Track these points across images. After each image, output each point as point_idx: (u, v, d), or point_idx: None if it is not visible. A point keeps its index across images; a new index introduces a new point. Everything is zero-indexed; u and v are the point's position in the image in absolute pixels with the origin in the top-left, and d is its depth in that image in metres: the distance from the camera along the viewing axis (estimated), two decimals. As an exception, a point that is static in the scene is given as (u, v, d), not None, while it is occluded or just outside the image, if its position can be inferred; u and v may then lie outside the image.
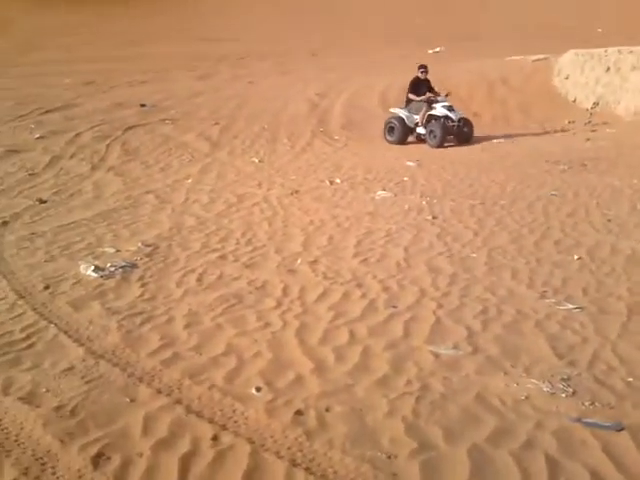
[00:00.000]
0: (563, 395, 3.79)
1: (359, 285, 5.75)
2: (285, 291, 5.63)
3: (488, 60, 20.31)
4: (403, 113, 14.09)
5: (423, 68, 14.09)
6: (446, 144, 13.48)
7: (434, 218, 8.01)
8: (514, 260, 6.42)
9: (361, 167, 11.47)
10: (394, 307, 5.23)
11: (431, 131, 13.49)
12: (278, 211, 8.57)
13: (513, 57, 19.82)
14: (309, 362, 4.30)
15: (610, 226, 7.52)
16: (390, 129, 14.18)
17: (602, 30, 26.04)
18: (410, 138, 14.14)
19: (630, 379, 3.94)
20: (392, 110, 14.55)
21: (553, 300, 5.29)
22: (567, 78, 17.92)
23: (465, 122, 13.79)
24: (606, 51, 17.39)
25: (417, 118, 13.86)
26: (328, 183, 10.20)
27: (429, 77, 14.20)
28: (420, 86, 14.01)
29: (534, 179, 10.10)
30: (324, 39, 28.20)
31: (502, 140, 14.05)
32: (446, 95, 13.93)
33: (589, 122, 15.49)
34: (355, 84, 18.54)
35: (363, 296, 5.48)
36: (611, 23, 26.45)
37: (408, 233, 7.38)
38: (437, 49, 25.07)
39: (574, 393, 3.81)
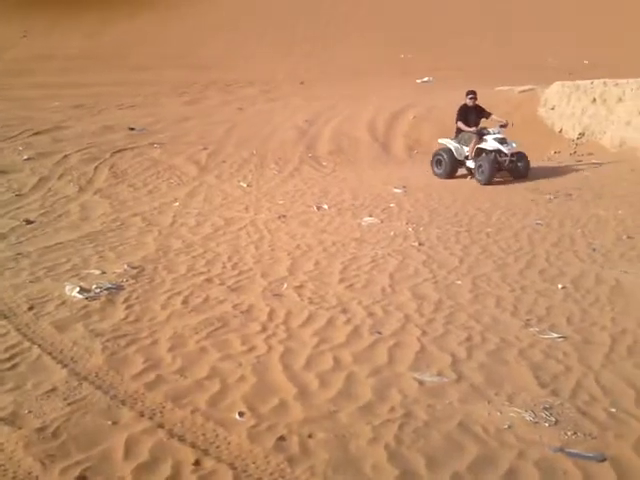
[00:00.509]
0: (546, 424, 3.80)
1: (344, 310, 5.76)
2: (270, 315, 5.63)
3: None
4: (452, 144, 12.98)
5: (472, 94, 12.91)
6: (497, 178, 12.41)
7: (420, 245, 8.06)
8: (499, 288, 6.46)
9: (348, 193, 11.54)
10: (379, 333, 5.24)
11: (480, 166, 12.26)
12: (265, 235, 8.59)
13: (500, 87, 20.07)
14: (293, 387, 4.29)
15: (595, 256, 7.59)
16: (438, 162, 13.13)
17: (588, 62, 26.43)
18: (461, 171, 13.10)
19: (613, 410, 3.96)
20: (440, 141, 13.47)
21: (537, 329, 5.32)
22: (553, 109, 18.15)
23: (520, 156, 12.49)
24: (592, 83, 17.64)
25: (467, 150, 12.69)
26: (315, 208, 10.25)
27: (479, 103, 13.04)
28: (469, 114, 12.81)
29: (520, 208, 10.19)
30: (312, 68, 28.49)
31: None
32: (502, 126, 12.71)
33: (574, 152, 15.68)
34: (343, 112, 18.68)
35: (348, 322, 5.49)
36: (597, 55, 26.89)
37: (394, 259, 7.42)
38: (425, 79, 25.33)
39: (557, 422, 3.82)
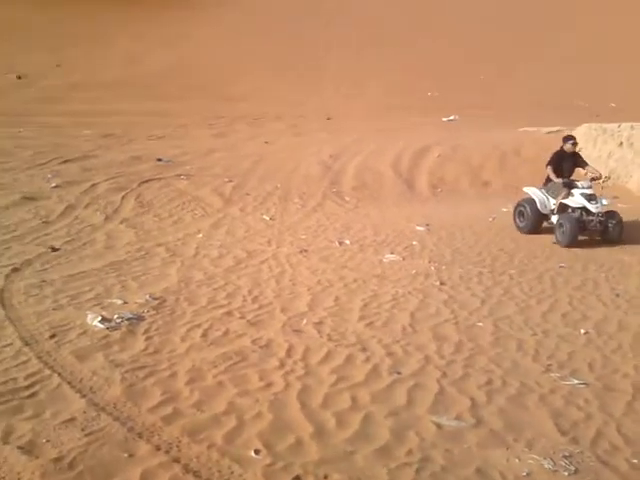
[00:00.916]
0: (565, 473, 3.74)
1: (363, 349, 5.74)
2: (289, 351, 5.63)
3: (502, 130, 20.63)
4: (537, 195, 11.42)
5: (572, 140, 11.55)
6: (582, 238, 10.74)
7: (442, 284, 8.03)
8: (521, 331, 6.41)
9: (370, 229, 11.54)
10: (398, 373, 5.21)
11: (561, 224, 10.62)
12: (286, 269, 8.61)
13: (526, 128, 20.11)
14: (310, 426, 4.27)
15: (618, 301, 7.52)
16: (520, 213, 11.59)
17: (615, 105, 26.42)
18: (545, 224, 11.48)
19: (635, 460, 3.89)
20: (526, 189, 11.91)
21: (558, 374, 5.26)
22: (580, 151, 18.11)
23: (611, 216, 10.75)
24: (619, 126, 17.61)
25: (553, 203, 11.18)
26: (337, 244, 10.26)
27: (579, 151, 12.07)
28: (565, 161, 11.31)
29: (542, 250, 10.14)
30: (340, 104, 28.78)
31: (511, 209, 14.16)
32: (593, 179, 11.21)
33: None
34: (368, 147, 18.78)
35: (367, 360, 5.47)
36: (624, 98, 26.87)
37: (415, 298, 7.40)
38: (451, 117, 25.45)
39: (576, 471, 3.76)
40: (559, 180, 10.91)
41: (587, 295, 7.73)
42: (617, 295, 7.76)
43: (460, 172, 15.77)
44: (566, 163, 11.27)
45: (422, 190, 16.12)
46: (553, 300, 7.50)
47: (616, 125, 17.65)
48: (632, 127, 17.18)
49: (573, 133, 18.43)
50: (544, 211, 11.26)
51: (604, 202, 10.71)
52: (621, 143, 17.01)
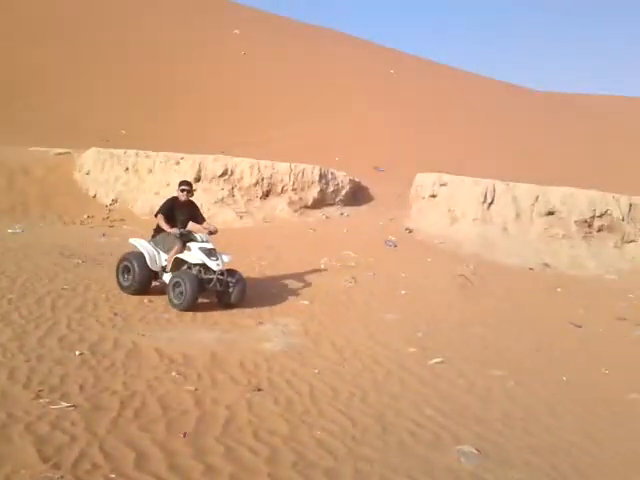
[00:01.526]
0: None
1: None
2: None
3: (10, 148, 19.57)
4: (146, 248, 9.56)
5: (186, 185, 9.76)
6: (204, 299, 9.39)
7: None
8: (14, 358, 6.07)
9: None
10: None
11: (177, 283, 8.93)
12: None
13: (35, 148, 19.48)
14: None
15: (116, 320, 7.78)
16: (125, 269, 9.54)
17: (125, 132, 27.58)
18: (154, 283, 9.70)
19: (112, 475, 3.98)
20: (132, 241, 9.89)
21: (48, 399, 5.12)
22: (88, 174, 18.35)
23: (233, 277, 9.36)
24: (125, 152, 18.46)
25: (165, 259, 9.50)
26: None
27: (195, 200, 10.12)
28: (177, 210, 9.63)
29: (46, 272, 9.87)
30: None
31: (17, 230, 13.51)
32: (211, 232, 9.74)
33: (107, 218, 16.06)
34: None
35: None
36: (133, 125, 28.29)
37: None
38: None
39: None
40: (174, 230, 9.30)
41: (86, 316, 7.79)
42: (115, 314, 8.02)
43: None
44: (180, 213, 9.67)
45: None
46: (52, 323, 7.34)
47: (122, 151, 18.47)
48: (137, 154, 18.22)
49: (83, 155, 18.64)
50: (154, 268, 9.48)
51: (225, 259, 9.38)
52: (127, 169, 17.86)
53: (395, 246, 15.02)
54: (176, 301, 8.92)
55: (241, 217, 16.92)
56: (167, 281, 9.27)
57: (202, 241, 9.38)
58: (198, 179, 17.37)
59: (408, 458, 4.89)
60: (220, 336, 7.66)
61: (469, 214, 16.34)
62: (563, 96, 63.36)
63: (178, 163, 17.68)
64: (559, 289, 12.90)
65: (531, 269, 14.35)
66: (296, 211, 18.03)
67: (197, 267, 9.24)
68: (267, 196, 18.09)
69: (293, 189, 18.38)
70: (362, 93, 41.01)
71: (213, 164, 17.73)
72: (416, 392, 6.57)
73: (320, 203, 18.66)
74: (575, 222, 15.51)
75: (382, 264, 13.11)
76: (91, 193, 17.72)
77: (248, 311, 9.00)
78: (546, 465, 5.22)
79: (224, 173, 17.68)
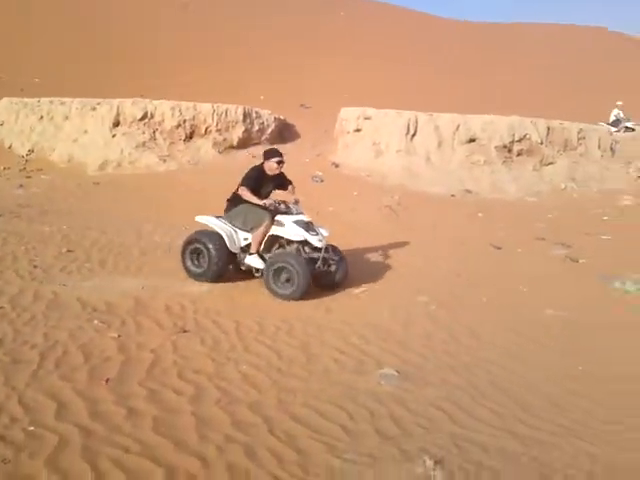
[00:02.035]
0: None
1: None
2: None
3: None
4: (222, 227, 8.01)
5: (280, 156, 8.08)
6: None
7: None
8: None
9: None
10: None
11: (279, 269, 7.53)
12: None
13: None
14: None
15: (36, 272, 7.59)
16: (195, 254, 8.06)
17: (39, 80, 26.37)
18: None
19: (31, 428, 3.96)
20: (200, 219, 8.26)
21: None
22: (2, 125, 17.59)
23: (334, 251, 8.11)
24: (39, 101, 17.71)
25: (247, 238, 7.97)
26: None
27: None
28: (265, 184, 8.08)
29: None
30: None
31: None
32: (296, 202, 8.12)
33: (24, 169, 15.49)
34: None
35: None
36: (47, 74, 27.02)
37: None
38: None
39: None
40: (269, 202, 7.75)
41: (4, 270, 7.58)
42: (35, 266, 7.83)
43: None
44: (266, 186, 8.13)
45: None
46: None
47: (36, 100, 17.71)
48: (51, 102, 17.50)
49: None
50: (234, 249, 7.99)
51: (324, 232, 7.94)
52: (42, 117, 17.17)
53: (322, 181, 15.08)
54: (284, 291, 7.50)
55: (164, 161, 16.60)
56: (254, 265, 7.85)
57: (297, 213, 7.91)
58: (117, 124, 16.89)
59: (331, 385, 5.04)
60: (144, 282, 7.58)
61: (393, 146, 16.50)
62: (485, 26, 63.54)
63: (94, 109, 17.10)
64: (480, 214, 13.27)
65: (453, 196, 14.68)
66: (221, 152, 17.80)
67: (295, 245, 7.85)
68: (191, 138, 17.77)
69: (217, 130, 18.09)
70: (286, 31, 40.25)
71: (132, 108, 17.22)
72: (341, 321, 6.73)
73: (246, 143, 18.46)
74: (495, 148, 15.88)
75: (309, 199, 13.14)
76: (6, 144, 17.04)
77: (173, 256, 8.91)
78: (464, 382, 5.46)
79: (144, 116, 17.23)
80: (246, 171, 8.05)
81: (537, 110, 21.00)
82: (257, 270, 7.91)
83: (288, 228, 7.76)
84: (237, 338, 5.96)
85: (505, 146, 15.96)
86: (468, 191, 14.98)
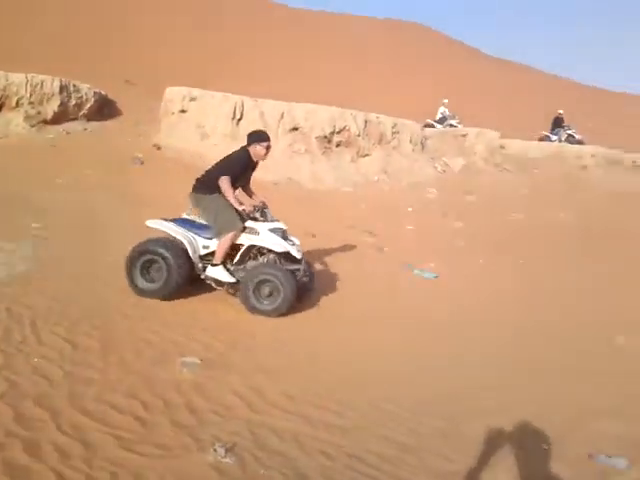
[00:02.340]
0: None
1: None
2: None
3: None
4: (182, 232, 7.12)
5: (269, 140, 7.16)
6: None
7: None
8: None
9: None
10: None
11: (262, 282, 6.95)
12: None
13: None
14: None
15: None
16: (147, 266, 7.06)
17: None
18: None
19: None
20: (153, 224, 7.18)
21: None
22: None
23: (306, 262, 7.61)
24: None
25: (209, 246, 7.13)
26: None
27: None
28: (246, 172, 7.23)
29: None
30: None
31: None
32: (264, 205, 7.33)
33: None
34: None
35: None
36: None
37: None
38: None
39: None
40: (249, 209, 6.97)
41: None
42: None
43: None
44: (244, 177, 7.23)
45: None
46: None
47: None
48: None
49: None
50: (194, 259, 7.12)
51: (297, 241, 7.36)
52: None
53: (142, 163, 14.70)
54: (267, 306, 6.94)
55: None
56: (220, 277, 7.04)
57: (272, 219, 7.17)
58: None
59: (128, 375, 5.00)
60: None
61: (219, 130, 16.43)
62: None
63: None
64: (300, 203, 13.65)
65: (276, 184, 14.96)
66: (34, 126, 16.73)
67: (272, 256, 7.18)
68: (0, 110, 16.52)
69: (30, 102, 17.00)
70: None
71: None
72: (148, 309, 6.66)
73: (61, 118, 17.52)
74: (316, 138, 16.35)
75: (128, 184, 12.79)
76: None
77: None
78: (266, 367, 5.67)
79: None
80: (230, 153, 7.16)
81: (356, 103, 21.90)
82: (220, 283, 7.14)
83: (266, 237, 7.03)
84: (31, 329, 5.65)
85: (326, 136, 16.48)
86: (290, 179, 15.33)
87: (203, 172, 7.18)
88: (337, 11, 71.54)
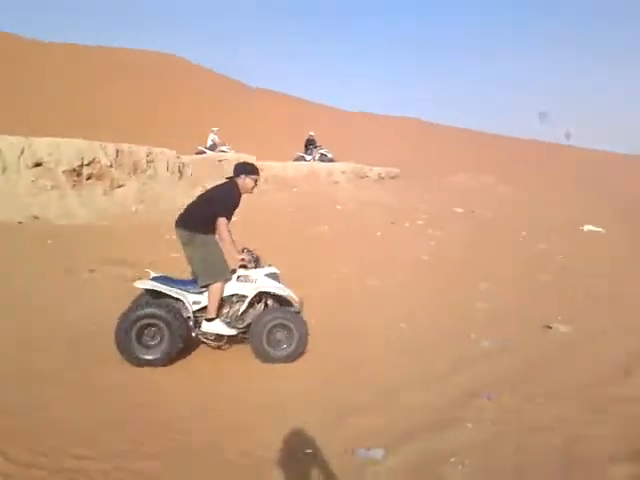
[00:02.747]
0: None
1: None
2: None
3: None
4: (176, 290, 6.52)
5: (257, 175, 6.74)
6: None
7: None
8: None
9: None
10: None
11: (277, 326, 6.61)
12: None
13: None
14: None
15: None
16: (142, 331, 6.28)
17: None
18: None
19: None
20: (144, 285, 6.52)
21: None
22: None
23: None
24: None
25: (200, 301, 6.55)
26: None
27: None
28: (237, 206, 6.75)
29: None
30: None
31: None
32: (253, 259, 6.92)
33: None
34: None
35: None
36: None
37: None
38: None
39: None
40: (247, 259, 6.72)
41: None
42: None
43: None
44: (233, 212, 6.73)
45: None
46: None
47: None
48: None
49: None
50: (188, 314, 6.58)
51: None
52: None
53: None
54: (281, 352, 6.62)
55: None
56: (220, 331, 6.56)
57: (264, 265, 6.92)
58: None
59: None
60: None
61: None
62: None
63: None
64: (50, 241, 12.66)
65: (20, 223, 13.75)
66: None
67: (272, 301, 6.88)
68: None
69: None
70: None
71: None
72: None
73: None
74: (63, 172, 15.35)
75: None
76: None
77: None
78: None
79: None
80: (216, 186, 6.72)
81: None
82: (219, 338, 6.67)
83: (265, 283, 6.71)
84: None
85: (74, 170, 15.52)
86: (36, 217, 14.16)
87: (186, 206, 6.66)
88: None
